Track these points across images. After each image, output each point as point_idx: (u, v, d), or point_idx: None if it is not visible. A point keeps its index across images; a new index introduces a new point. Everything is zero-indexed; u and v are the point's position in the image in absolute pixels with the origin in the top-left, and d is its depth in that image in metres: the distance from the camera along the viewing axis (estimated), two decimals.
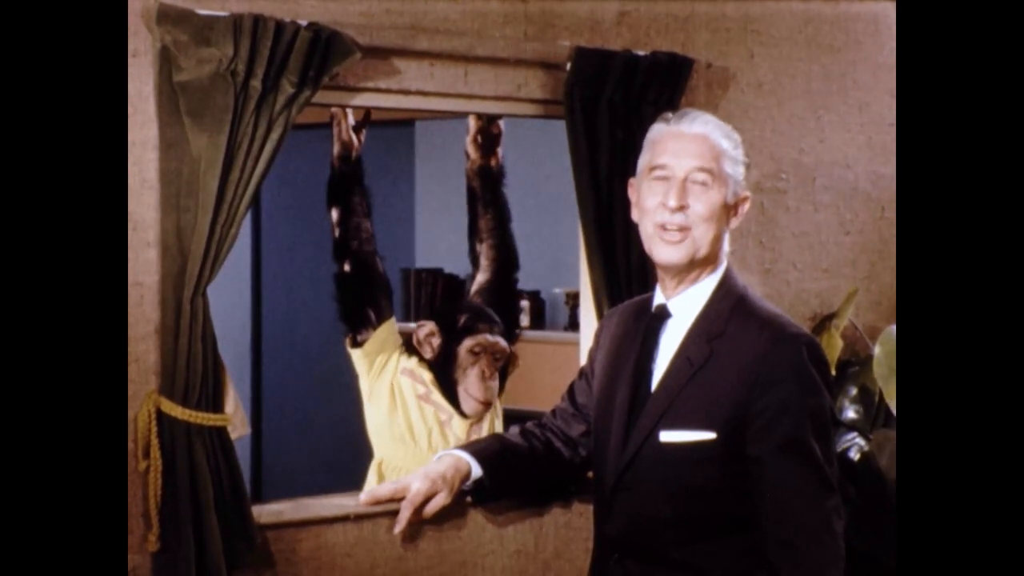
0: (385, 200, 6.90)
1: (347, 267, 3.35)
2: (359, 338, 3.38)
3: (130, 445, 2.56)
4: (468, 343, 3.40)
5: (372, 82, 2.85)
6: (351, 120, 3.52)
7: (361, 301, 3.37)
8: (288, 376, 6.95)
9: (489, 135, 3.50)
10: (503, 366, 3.47)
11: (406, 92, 2.90)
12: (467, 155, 3.56)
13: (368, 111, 3.50)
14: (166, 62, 2.55)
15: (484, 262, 3.55)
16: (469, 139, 3.53)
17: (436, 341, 3.41)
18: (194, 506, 2.58)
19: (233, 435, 2.68)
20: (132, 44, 2.56)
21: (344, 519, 2.77)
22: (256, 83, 2.58)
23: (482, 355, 3.40)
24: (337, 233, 3.41)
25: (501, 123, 3.52)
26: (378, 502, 2.77)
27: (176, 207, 2.57)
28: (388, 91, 2.88)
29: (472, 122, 3.53)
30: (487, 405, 3.39)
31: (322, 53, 2.65)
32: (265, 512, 2.75)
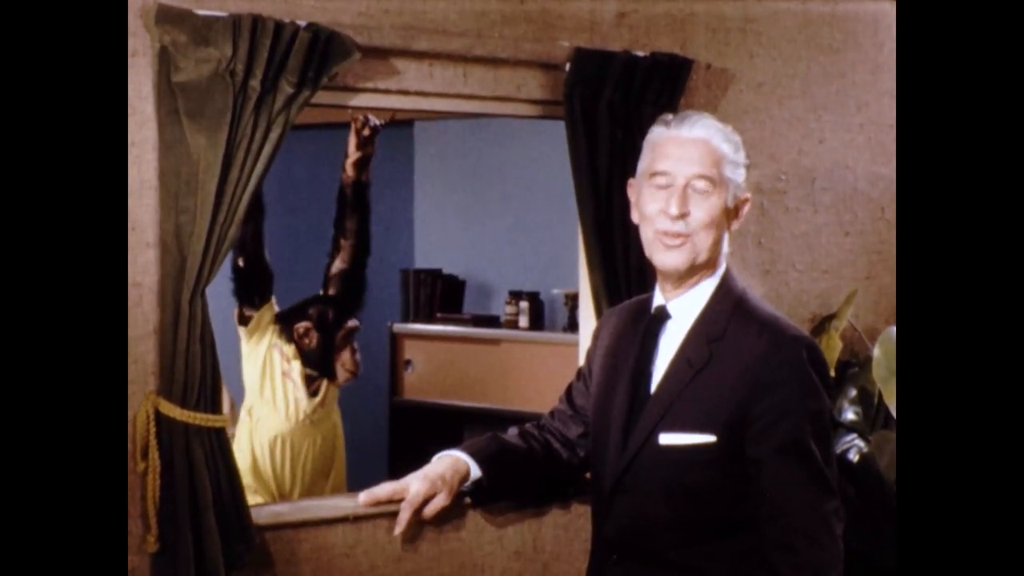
0: (384, 200, 6.89)
1: (241, 263, 4.07)
2: (246, 313, 4.12)
3: (128, 446, 2.56)
4: (340, 332, 4.22)
5: (371, 82, 2.85)
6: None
7: (249, 288, 4.12)
8: None
9: (366, 158, 4.12)
10: None
11: (405, 92, 2.90)
12: (344, 170, 4.14)
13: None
14: (165, 62, 2.55)
15: (344, 255, 4.26)
16: (350, 162, 4.10)
17: (314, 335, 4.18)
18: (192, 507, 2.57)
19: (231, 434, 2.68)
20: (131, 44, 2.56)
21: (343, 520, 2.77)
22: (255, 83, 2.58)
23: (352, 336, 4.24)
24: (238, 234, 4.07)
25: (374, 146, 4.13)
26: (377, 503, 2.77)
27: (175, 207, 2.57)
28: (387, 91, 2.88)
29: (353, 149, 4.07)
30: (355, 375, 4.24)
31: (321, 53, 2.65)
32: (264, 513, 2.74)
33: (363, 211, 4.23)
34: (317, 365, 4.18)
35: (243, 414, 4.15)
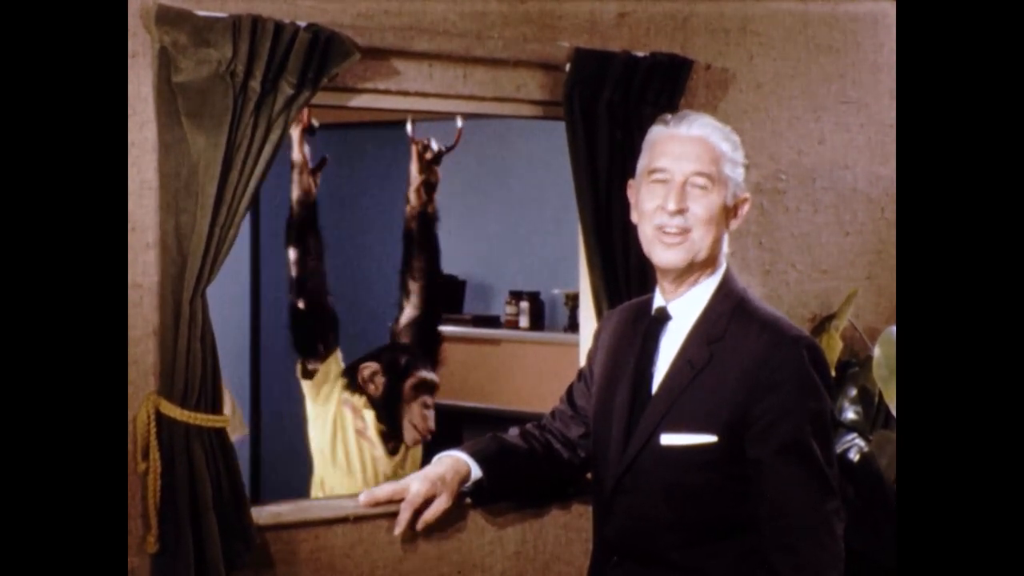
0: (383, 202, 6.89)
1: (301, 304, 3.65)
2: (309, 367, 3.69)
3: (129, 446, 2.56)
4: (411, 381, 3.73)
5: (371, 83, 2.85)
6: (310, 163, 3.79)
7: (313, 335, 3.68)
8: (287, 377, 6.93)
9: (430, 184, 3.78)
10: None
11: (405, 93, 2.90)
12: (407, 200, 3.80)
13: (325, 157, 3.80)
14: (165, 63, 2.55)
15: (415, 299, 3.82)
16: (412, 189, 3.78)
17: (380, 380, 3.72)
18: (193, 507, 2.57)
19: (231, 435, 2.68)
20: (131, 45, 2.56)
21: (343, 520, 2.77)
22: (255, 84, 2.58)
23: (422, 391, 3.75)
24: (295, 272, 3.72)
25: (439, 171, 3.80)
26: (377, 503, 2.77)
27: (175, 208, 2.57)
28: (387, 92, 2.88)
29: (415, 173, 3.78)
30: (428, 434, 3.73)
31: (321, 54, 2.65)
32: (264, 513, 2.74)
33: (432, 248, 3.83)
34: (384, 418, 3.73)
35: (314, 490, 3.72)
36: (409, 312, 3.85)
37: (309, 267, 3.67)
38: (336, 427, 3.70)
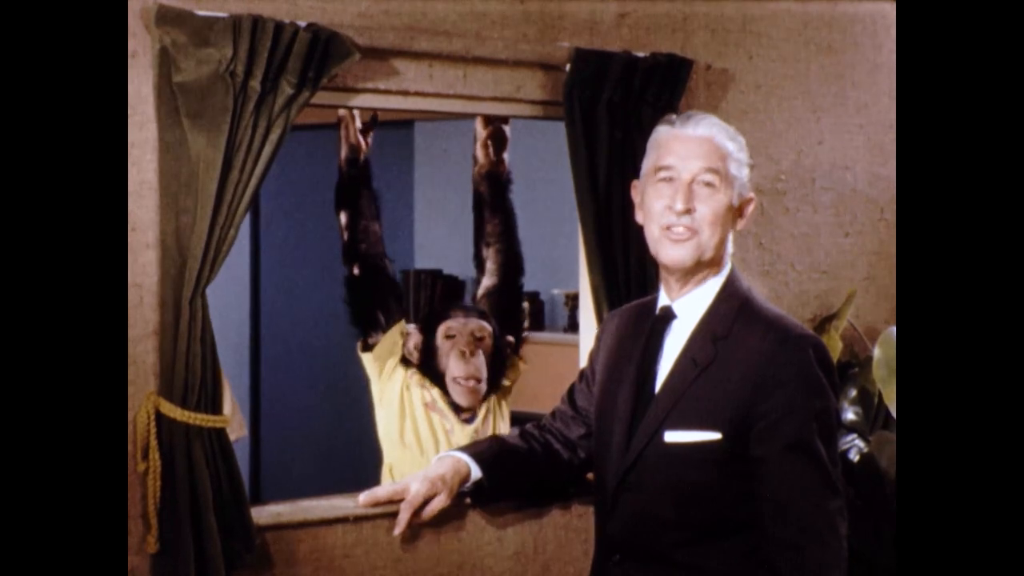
0: (384, 201, 6.88)
1: (356, 270, 3.37)
2: (370, 341, 3.39)
3: (129, 446, 2.56)
4: (441, 329, 3.38)
5: (371, 83, 2.85)
6: (358, 123, 3.54)
7: (371, 304, 3.38)
8: (287, 377, 6.95)
9: (499, 139, 3.48)
10: (498, 356, 3.44)
11: (405, 93, 2.90)
12: (475, 159, 3.53)
13: (376, 113, 3.51)
14: (165, 63, 2.55)
15: (491, 266, 3.53)
16: (479, 144, 3.51)
17: (415, 337, 3.39)
18: (193, 507, 2.57)
19: (231, 437, 2.68)
20: (131, 45, 2.56)
21: (343, 520, 2.77)
22: (255, 84, 2.58)
23: (457, 336, 3.38)
24: (346, 236, 3.45)
25: (507, 128, 3.51)
26: (377, 503, 2.77)
27: (175, 208, 2.57)
28: (387, 92, 2.88)
29: (480, 128, 3.52)
30: (476, 380, 3.35)
31: (321, 54, 2.65)
32: (264, 513, 2.74)
33: (507, 211, 3.52)
34: (433, 381, 3.36)
35: (384, 479, 3.37)
36: (487, 282, 3.55)
37: (361, 227, 3.40)
38: (404, 406, 3.38)
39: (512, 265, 3.55)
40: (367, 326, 3.40)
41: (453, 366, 3.35)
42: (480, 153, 3.51)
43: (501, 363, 3.48)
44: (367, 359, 3.41)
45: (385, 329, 3.40)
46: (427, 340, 3.39)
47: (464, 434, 3.36)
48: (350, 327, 3.47)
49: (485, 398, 3.45)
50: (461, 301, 3.56)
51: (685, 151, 2.52)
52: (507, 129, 3.51)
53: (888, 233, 3.69)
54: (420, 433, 3.36)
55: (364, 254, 3.41)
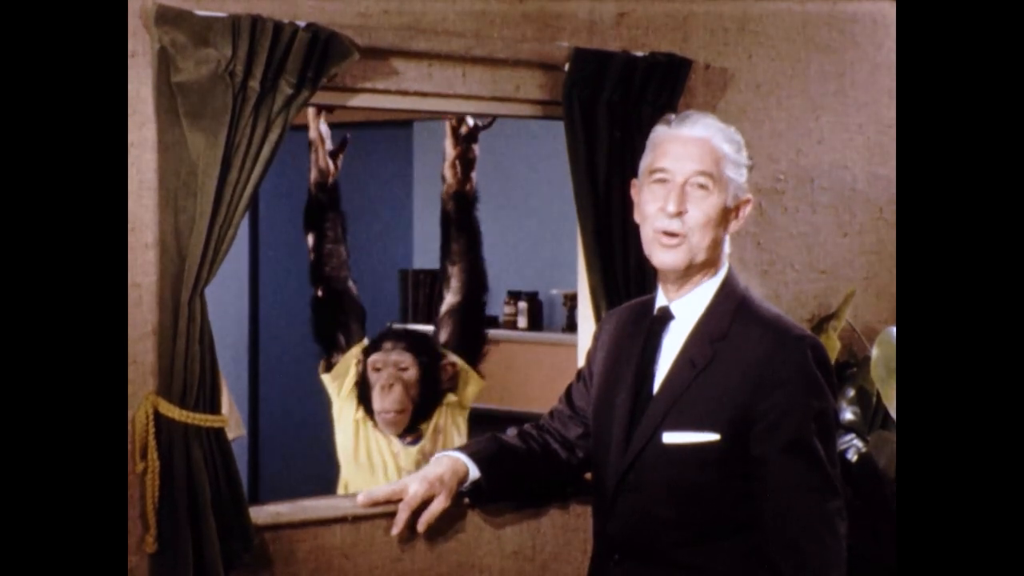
0: (383, 201, 6.89)
1: (320, 292, 3.46)
2: (332, 361, 3.52)
3: (128, 446, 2.56)
4: (370, 362, 3.51)
5: (370, 83, 2.84)
6: (329, 145, 3.63)
7: (333, 325, 3.51)
8: (285, 377, 6.94)
9: (467, 160, 3.56)
10: (429, 382, 3.53)
11: (404, 93, 2.90)
12: (443, 178, 3.61)
13: (346, 137, 3.62)
14: (164, 63, 2.55)
15: (455, 284, 3.61)
16: (447, 164, 3.57)
17: (358, 372, 3.51)
18: (191, 507, 2.57)
19: (228, 436, 2.68)
20: (130, 45, 2.56)
21: (342, 520, 2.77)
22: (254, 84, 2.58)
23: (382, 369, 3.48)
24: (312, 258, 3.54)
25: (476, 148, 3.58)
26: (376, 503, 2.77)
27: (174, 208, 2.57)
28: (386, 92, 2.88)
29: (450, 148, 3.58)
30: (396, 413, 3.46)
31: (320, 54, 2.65)
32: (263, 513, 2.74)
33: (472, 230, 3.62)
34: (367, 407, 3.49)
35: (339, 492, 3.52)
36: (450, 299, 3.64)
37: (326, 251, 3.50)
38: (358, 425, 3.52)
39: (475, 284, 3.63)
40: (328, 347, 3.52)
41: (375, 399, 3.47)
42: (448, 173, 3.59)
43: (433, 388, 3.54)
44: (326, 379, 3.54)
45: (345, 350, 3.50)
46: (364, 371, 3.51)
47: (409, 456, 3.47)
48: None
49: (420, 421, 3.54)
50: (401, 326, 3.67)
51: (680, 153, 2.51)
52: (476, 148, 3.59)
53: (887, 233, 3.69)
54: (372, 453, 3.47)
55: (328, 277, 3.50)
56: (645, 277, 3.03)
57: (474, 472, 2.78)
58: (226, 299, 6.41)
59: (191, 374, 2.57)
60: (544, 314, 6.54)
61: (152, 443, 2.56)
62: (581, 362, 2.97)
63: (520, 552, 2.95)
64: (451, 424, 3.58)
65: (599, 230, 3.06)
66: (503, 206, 6.83)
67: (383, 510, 2.77)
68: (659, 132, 2.57)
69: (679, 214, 2.49)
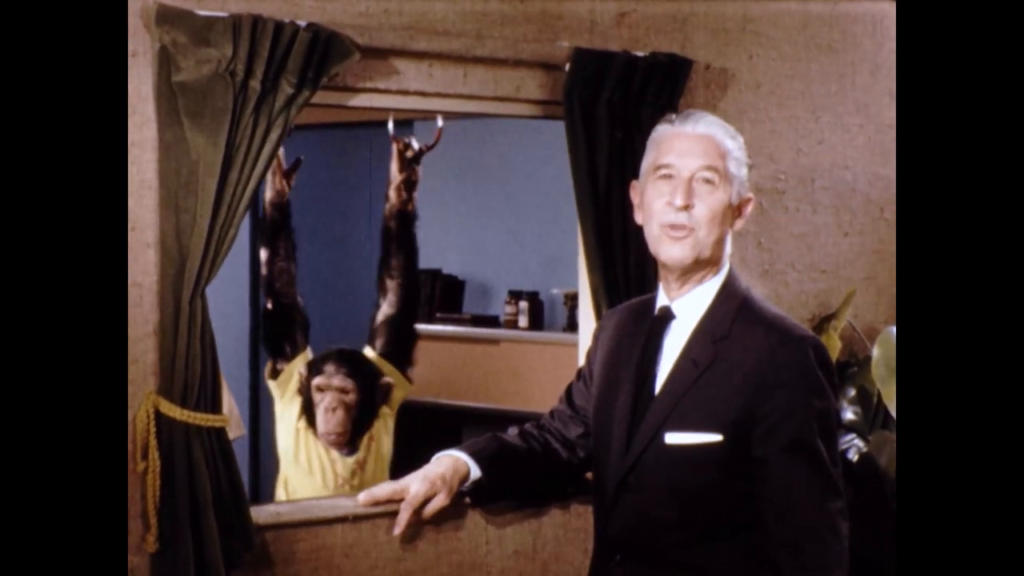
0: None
1: (269, 305, 3.71)
2: (277, 367, 3.76)
3: (128, 446, 2.56)
4: (315, 381, 3.75)
5: (371, 82, 2.85)
6: (284, 165, 3.84)
7: (280, 336, 3.75)
8: None
9: (410, 182, 3.80)
10: (367, 402, 3.78)
11: (405, 92, 2.90)
12: (387, 198, 3.83)
13: (300, 158, 3.84)
14: (165, 62, 2.55)
15: (392, 297, 3.83)
16: (393, 186, 3.81)
17: (302, 385, 3.79)
18: (192, 507, 2.57)
19: (229, 436, 2.68)
20: (131, 44, 2.56)
21: (342, 520, 2.77)
22: (255, 83, 2.58)
23: (325, 392, 3.73)
24: (265, 272, 3.79)
25: (419, 170, 3.83)
26: (377, 503, 2.77)
27: (175, 208, 2.57)
28: (387, 91, 2.88)
29: (396, 172, 3.82)
30: (338, 435, 3.71)
31: (321, 54, 2.65)
32: (263, 513, 2.74)
33: (410, 246, 3.84)
34: (310, 420, 3.77)
35: (278, 489, 3.78)
36: (385, 310, 3.87)
37: (277, 268, 3.73)
38: (297, 430, 3.76)
39: (411, 296, 3.86)
40: (275, 354, 3.76)
41: (319, 420, 3.73)
42: (393, 195, 3.81)
43: (371, 407, 3.80)
44: (271, 384, 3.79)
45: (290, 358, 3.77)
46: (307, 390, 3.76)
47: (346, 465, 3.72)
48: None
49: (358, 437, 3.79)
50: (337, 346, 3.92)
51: (685, 149, 2.52)
52: (419, 170, 3.84)
53: (888, 233, 3.69)
54: (311, 459, 3.71)
55: (277, 291, 3.74)
56: (646, 276, 3.04)
57: (475, 471, 2.78)
58: (227, 299, 6.42)
59: (192, 374, 2.57)
60: (545, 314, 6.55)
61: (153, 443, 2.56)
62: (582, 361, 2.97)
63: (521, 552, 2.95)
64: (383, 430, 3.82)
65: (599, 229, 3.06)
66: (504, 206, 6.84)
67: (384, 509, 2.77)
68: (662, 130, 2.57)
69: (686, 208, 2.49)
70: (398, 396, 3.91)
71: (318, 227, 6.44)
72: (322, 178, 6.42)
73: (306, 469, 3.71)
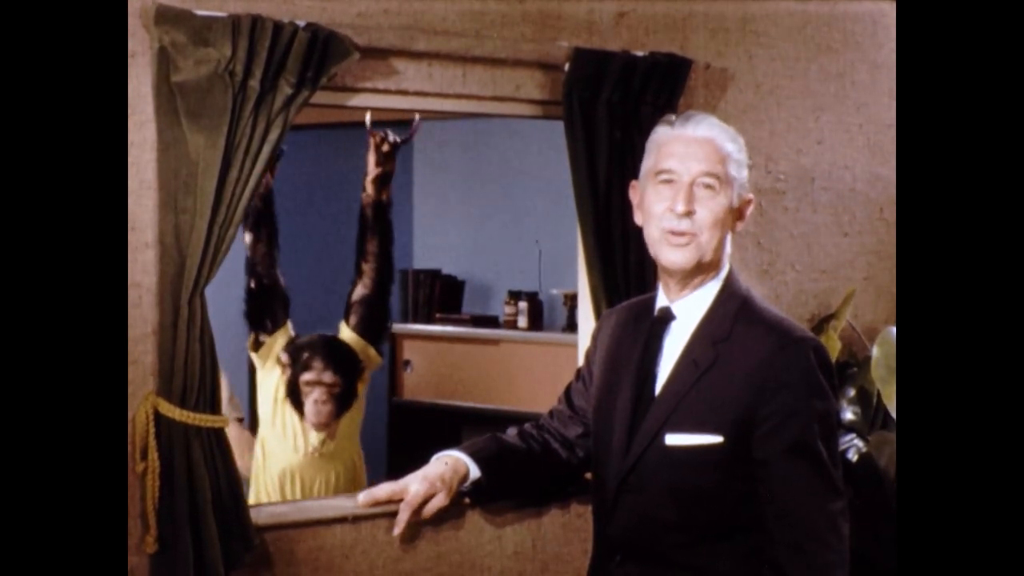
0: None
1: (252, 284, 3.98)
2: (259, 340, 4.02)
3: (128, 446, 2.56)
4: (304, 377, 3.98)
5: (370, 83, 2.85)
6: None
7: (262, 312, 4.02)
8: None
9: (386, 175, 3.99)
10: (347, 391, 4.06)
11: (404, 93, 2.90)
12: (364, 189, 4.02)
13: (282, 148, 3.87)
14: (164, 63, 2.55)
15: (367, 280, 4.09)
16: (369, 179, 3.99)
17: (286, 374, 4.03)
18: (192, 507, 2.57)
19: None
20: (130, 45, 2.56)
21: (342, 520, 2.77)
22: (254, 83, 2.58)
23: (315, 387, 3.97)
24: (248, 254, 4.04)
25: (395, 162, 4.02)
26: (376, 503, 2.77)
27: (174, 208, 2.57)
28: (386, 91, 2.88)
29: (372, 165, 3.97)
30: (325, 425, 3.99)
31: (320, 54, 2.65)
32: (263, 513, 2.74)
33: (385, 233, 4.07)
34: (294, 402, 4.01)
35: (257, 449, 4.02)
36: (360, 290, 4.10)
37: (259, 252, 3.97)
38: (277, 397, 4.00)
39: (384, 278, 4.12)
40: (257, 329, 4.03)
41: (308, 411, 3.97)
42: (369, 186, 4.00)
43: (353, 394, 4.07)
44: (254, 355, 4.05)
45: (271, 332, 4.01)
46: (294, 378, 3.99)
47: (316, 435, 3.97)
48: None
49: (340, 417, 4.05)
50: (320, 335, 4.20)
51: (685, 153, 2.51)
52: (395, 163, 4.03)
53: (887, 233, 3.69)
54: (286, 426, 3.97)
55: (259, 273, 3.98)
56: (645, 276, 3.03)
57: (475, 471, 2.78)
58: (226, 299, 6.41)
59: (191, 374, 2.57)
60: (544, 314, 6.55)
61: (152, 443, 2.56)
62: (581, 362, 2.97)
63: (521, 552, 2.95)
64: (355, 407, 4.09)
65: (599, 230, 3.06)
66: (503, 206, 6.83)
67: (383, 510, 2.77)
68: (662, 133, 2.57)
69: (688, 214, 2.49)
70: (370, 370, 4.20)
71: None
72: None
73: (280, 435, 3.97)
